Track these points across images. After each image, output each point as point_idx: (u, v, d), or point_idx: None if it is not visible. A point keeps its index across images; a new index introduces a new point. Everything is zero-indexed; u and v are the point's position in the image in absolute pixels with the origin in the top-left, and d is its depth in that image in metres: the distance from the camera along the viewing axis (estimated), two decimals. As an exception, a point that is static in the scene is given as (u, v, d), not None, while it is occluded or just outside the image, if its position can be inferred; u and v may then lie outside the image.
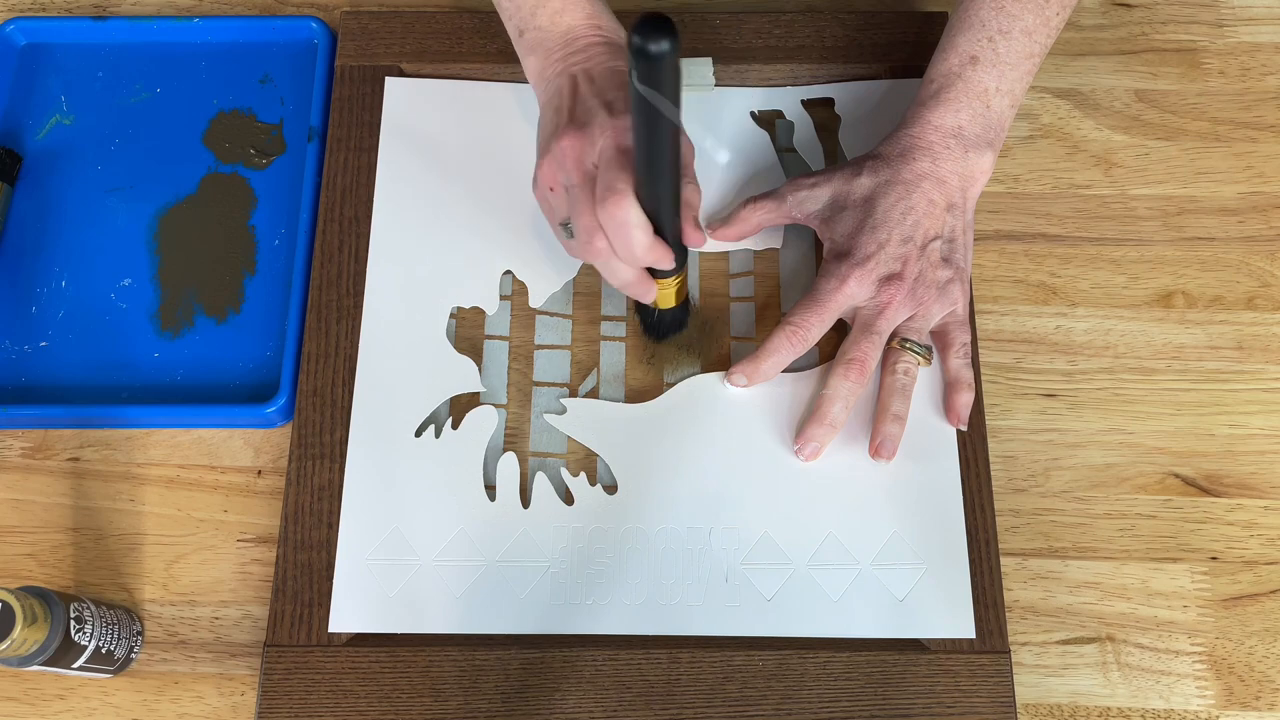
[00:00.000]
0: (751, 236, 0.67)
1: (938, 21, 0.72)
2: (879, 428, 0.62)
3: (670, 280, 0.59)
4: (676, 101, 0.47)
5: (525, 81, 0.71)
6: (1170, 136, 0.71)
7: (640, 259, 0.56)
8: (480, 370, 0.65)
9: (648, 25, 0.43)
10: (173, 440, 0.65)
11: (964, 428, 0.62)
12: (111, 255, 0.69)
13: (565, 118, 0.58)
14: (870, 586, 0.60)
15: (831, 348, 0.64)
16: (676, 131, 0.49)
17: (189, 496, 0.64)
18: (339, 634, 0.59)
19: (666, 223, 0.55)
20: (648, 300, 0.61)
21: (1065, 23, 0.64)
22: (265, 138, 0.72)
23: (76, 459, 0.65)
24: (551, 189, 0.59)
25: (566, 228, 0.59)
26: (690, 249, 0.59)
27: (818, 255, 0.67)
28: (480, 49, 0.72)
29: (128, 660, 0.60)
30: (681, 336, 0.65)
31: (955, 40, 0.63)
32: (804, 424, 0.62)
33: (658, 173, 0.52)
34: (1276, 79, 0.73)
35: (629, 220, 0.54)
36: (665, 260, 0.57)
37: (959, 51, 0.63)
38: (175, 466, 0.65)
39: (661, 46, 0.43)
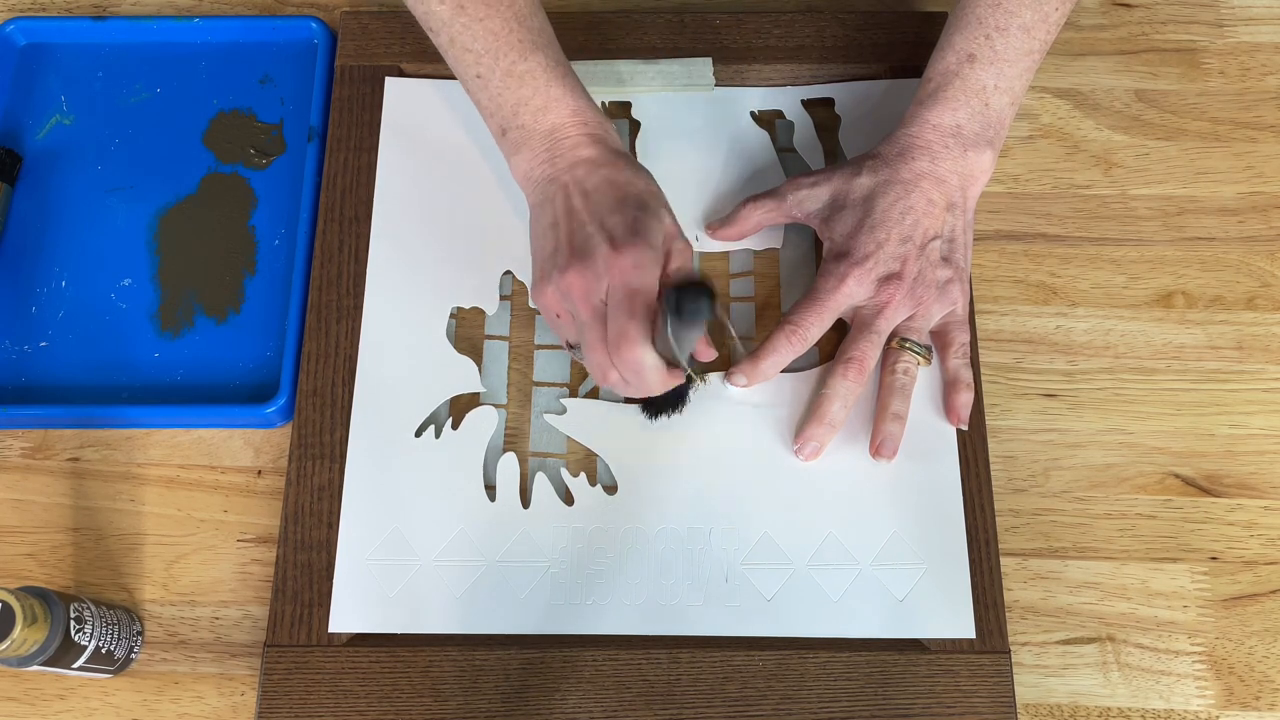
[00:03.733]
0: (751, 236, 0.67)
1: (937, 21, 0.71)
2: (879, 427, 0.62)
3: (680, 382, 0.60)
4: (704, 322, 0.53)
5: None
6: (1170, 136, 0.71)
7: (654, 391, 0.58)
8: (480, 370, 0.65)
9: (686, 292, 0.49)
10: (173, 440, 0.65)
11: (964, 427, 0.62)
12: (111, 255, 0.69)
13: (565, 244, 0.57)
14: (870, 586, 0.60)
15: (831, 347, 0.64)
16: (703, 330, 0.54)
17: (189, 496, 0.64)
18: (339, 634, 0.59)
19: (679, 358, 0.57)
20: (658, 393, 0.61)
21: (1066, 19, 0.64)
22: (265, 138, 0.72)
23: (76, 459, 0.65)
24: (558, 315, 0.59)
25: (575, 350, 0.60)
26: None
27: (817, 255, 0.67)
28: (480, 49, 0.72)
29: (128, 660, 0.60)
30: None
31: (953, 39, 0.63)
32: (803, 424, 0.62)
33: (683, 349, 0.56)
34: (1276, 79, 0.73)
35: (644, 364, 0.55)
36: (678, 380, 0.59)
37: (956, 50, 0.63)
38: (175, 466, 0.65)
39: (699, 311, 0.50)
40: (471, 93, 0.63)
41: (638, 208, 0.57)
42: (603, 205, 0.57)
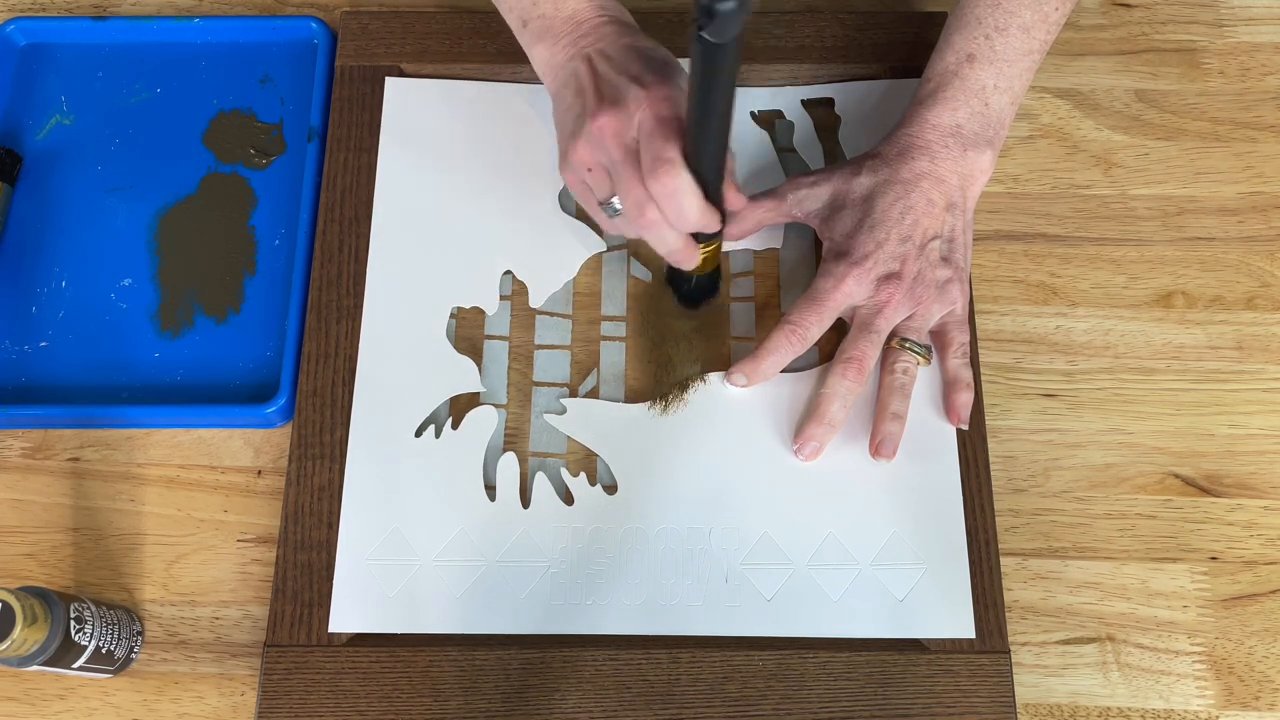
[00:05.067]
0: (751, 235, 0.67)
1: (937, 21, 0.72)
2: (879, 427, 0.62)
3: (710, 245, 0.60)
4: (739, 61, 0.48)
5: (526, 81, 0.71)
6: (1170, 136, 0.71)
7: (693, 224, 0.57)
8: (480, 370, 0.65)
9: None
10: (173, 440, 0.65)
11: (964, 427, 0.62)
12: (111, 255, 0.69)
13: (592, 97, 0.57)
14: (870, 586, 0.60)
15: (831, 347, 0.64)
16: (734, 91, 0.50)
17: (189, 496, 0.64)
18: (339, 634, 0.59)
19: (713, 186, 0.56)
20: (691, 266, 0.61)
21: (1066, 18, 0.64)
22: (265, 138, 0.72)
23: (76, 459, 0.65)
24: (590, 170, 0.58)
25: (607, 206, 0.59)
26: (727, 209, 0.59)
27: (817, 255, 0.67)
28: (480, 49, 0.72)
29: (128, 660, 0.60)
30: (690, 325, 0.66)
31: (952, 38, 0.63)
32: (803, 423, 0.62)
33: (711, 134, 0.52)
34: (1276, 79, 0.73)
35: (681, 188, 0.54)
36: (714, 223, 0.57)
37: (956, 50, 0.63)
38: (175, 466, 0.65)
39: (729, 6, 0.44)
40: None
41: (663, 63, 0.57)
42: (628, 62, 0.57)
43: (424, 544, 0.61)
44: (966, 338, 0.64)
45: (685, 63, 0.51)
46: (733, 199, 0.58)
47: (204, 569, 0.63)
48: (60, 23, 0.75)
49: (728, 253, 0.68)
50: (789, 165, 0.70)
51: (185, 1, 0.78)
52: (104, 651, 0.58)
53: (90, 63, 0.75)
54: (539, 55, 0.62)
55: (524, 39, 0.63)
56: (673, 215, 0.56)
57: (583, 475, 0.63)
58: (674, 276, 0.66)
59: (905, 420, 0.62)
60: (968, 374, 0.63)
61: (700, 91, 0.49)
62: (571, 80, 0.60)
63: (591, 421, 0.64)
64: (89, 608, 0.57)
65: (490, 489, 0.62)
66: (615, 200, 0.58)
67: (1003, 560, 0.62)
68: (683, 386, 0.64)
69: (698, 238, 0.59)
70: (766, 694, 0.58)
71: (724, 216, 0.58)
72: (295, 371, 0.65)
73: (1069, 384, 0.66)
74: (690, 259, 0.60)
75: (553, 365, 0.66)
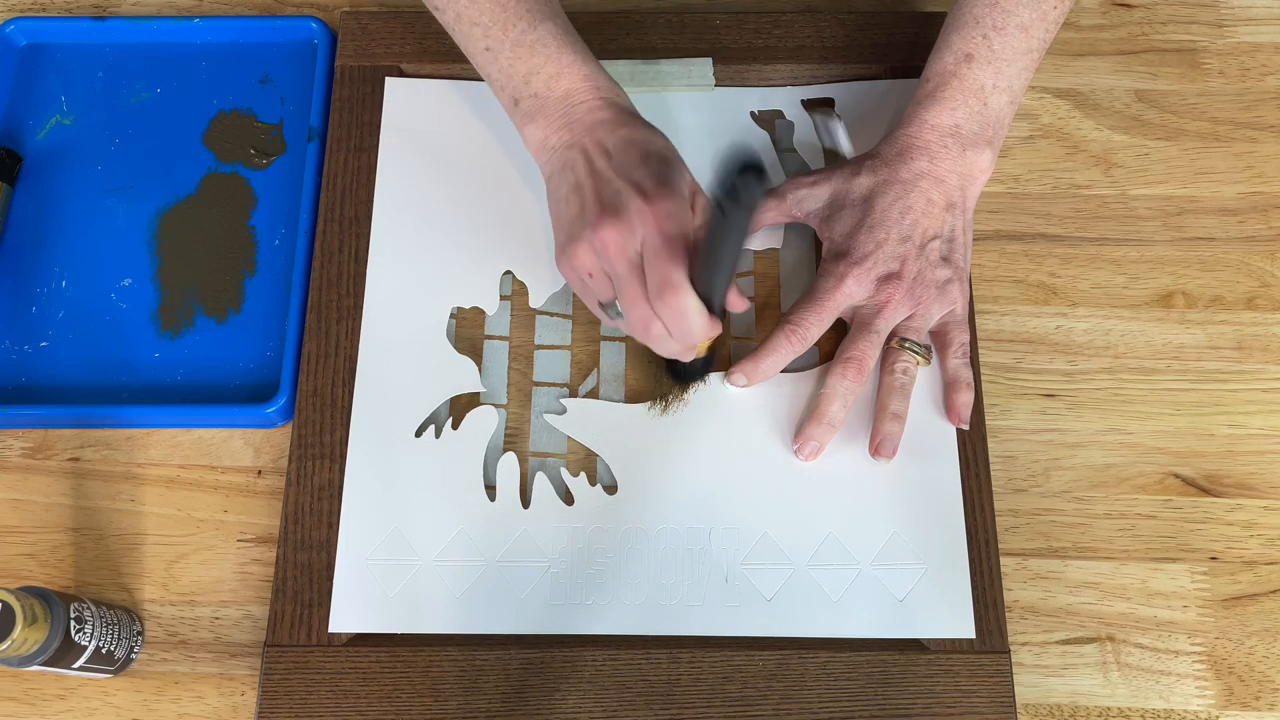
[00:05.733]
0: (751, 235, 0.67)
1: (937, 21, 0.71)
2: (878, 427, 0.62)
3: (709, 341, 0.60)
4: (754, 218, 0.50)
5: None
6: (1170, 136, 0.71)
7: (697, 341, 0.58)
8: (480, 370, 0.65)
9: (744, 167, 0.46)
10: (173, 440, 0.65)
11: (965, 427, 0.62)
12: (111, 255, 0.69)
13: (592, 201, 0.57)
14: (870, 586, 0.60)
15: (831, 347, 0.64)
16: (748, 236, 0.51)
17: (189, 496, 0.64)
18: (339, 634, 0.59)
19: (718, 301, 0.57)
20: (688, 359, 0.61)
21: (1066, 16, 0.64)
22: (265, 138, 0.72)
23: (76, 459, 0.65)
24: (591, 275, 0.58)
25: (609, 309, 0.59)
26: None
27: (817, 255, 0.67)
28: (480, 49, 0.72)
29: (128, 660, 0.60)
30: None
31: (950, 38, 0.63)
32: (803, 423, 0.62)
33: (724, 266, 0.54)
34: (1276, 79, 0.73)
35: (688, 310, 0.55)
36: (716, 331, 0.58)
37: (954, 50, 0.63)
38: (175, 466, 0.65)
39: (752, 192, 0.47)
40: (481, 67, 0.63)
41: (661, 162, 0.57)
42: (627, 162, 0.57)
43: (424, 544, 0.61)
44: (966, 337, 0.64)
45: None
46: (735, 303, 0.60)
47: (204, 569, 0.63)
48: (60, 23, 0.75)
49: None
50: (789, 165, 0.70)
51: (185, 1, 0.78)
52: (104, 651, 0.58)
53: (90, 63, 0.75)
54: (532, 136, 0.61)
55: (516, 118, 0.62)
56: (678, 333, 0.57)
57: (583, 475, 0.63)
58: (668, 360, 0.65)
59: (905, 420, 0.62)
60: (968, 374, 0.63)
61: (716, 240, 0.51)
62: (568, 172, 0.59)
63: (591, 421, 0.64)
64: (89, 608, 0.57)
65: (490, 489, 0.62)
66: (618, 304, 0.58)
67: (1003, 560, 0.62)
68: (683, 386, 0.64)
69: None
70: (766, 694, 0.58)
71: (724, 318, 0.59)
72: (295, 371, 0.65)
73: (1069, 384, 0.66)
74: (689, 356, 0.60)
75: (553, 365, 0.66)
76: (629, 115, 0.60)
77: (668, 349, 0.59)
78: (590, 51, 0.62)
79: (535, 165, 0.62)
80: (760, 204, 0.48)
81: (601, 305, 0.60)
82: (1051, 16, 0.63)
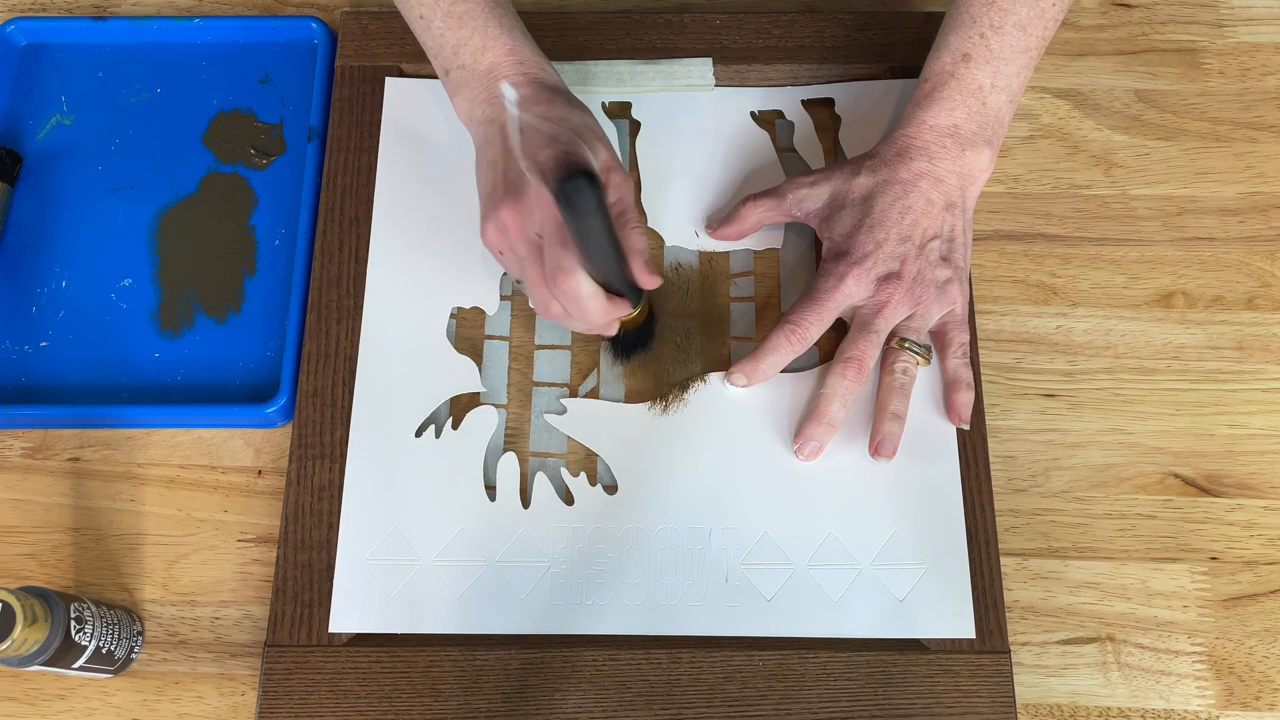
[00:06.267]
0: (751, 235, 0.67)
1: (937, 21, 0.71)
2: (878, 427, 0.62)
3: (631, 315, 0.60)
4: (604, 219, 0.51)
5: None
6: (1170, 136, 0.71)
7: (598, 322, 0.58)
8: (480, 370, 0.65)
9: (569, 175, 0.48)
10: (173, 440, 0.65)
11: (965, 427, 0.62)
12: (111, 255, 0.69)
13: (500, 180, 0.58)
14: (870, 586, 0.60)
15: (831, 347, 0.64)
16: (607, 218, 0.52)
17: (189, 496, 0.64)
18: (339, 634, 0.59)
19: (617, 282, 0.57)
20: (610, 334, 0.61)
21: (1064, 14, 0.64)
22: (265, 138, 0.72)
23: (76, 459, 0.65)
24: (501, 253, 0.60)
25: (521, 286, 0.61)
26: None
27: (817, 255, 0.67)
28: (480, 49, 0.72)
29: (128, 660, 0.60)
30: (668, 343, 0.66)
31: (948, 38, 0.63)
32: (803, 423, 0.62)
33: (598, 254, 0.54)
34: (1276, 79, 0.73)
35: (581, 294, 0.56)
36: (622, 310, 0.58)
37: (951, 50, 0.63)
38: (175, 466, 0.65)
39: (584, 196, 0.48)
40: (417, 34, 0.64)
41: (569, 142, 0.57)
42: (534, 141, 0.57)
43: (424, 544, 0.61)
44: (966, 337, 0.64)
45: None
46: (645, 279, 0.58)
47: (204, 569, 0.63)
48: (60, 23, 0.75)
49: (727, 253, 0.68)
50: (789, 165, 0.70)
51: (185, 1, 0.78)
52: (104, 651, 0.58)
53: (90, 63, 0.75)
54: (460, 106, 0.63)
55: (447, 87, 0.64)
56: (575, 315, 0.58)
57: (583, 475, 0.63)
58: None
59: (905, 420, 0.62)
60: (968, 374, 0.63)
61: (575, 231, 0.52)
62: (488, 147, 0.60)
63: (591, 421, 0.64)
64: (89, 608, 0.57)
65: (490, 489, 0.62)
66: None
67: (1003, 560, 0.62)
68: (683, 386, 0.64)
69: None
70: (766, 694, 0.58)
71: (637, 294, 0.59)
72: (295, 371, 0.65)
73: (1069, 384, 0.66)
74: (607, 331, 0.60)
75: (553, 365, 0.66)
76: (549, 91, 0.61)
77: (575, 328, 0.60)
78: (520, 24, 0.63)
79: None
80: (596, 203, 0.49)
81: (516, 283, 0.61)
82: (1050, 14, 0.63)
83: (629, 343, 0.64)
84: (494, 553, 0.61)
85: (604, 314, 0.57)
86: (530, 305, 0.62)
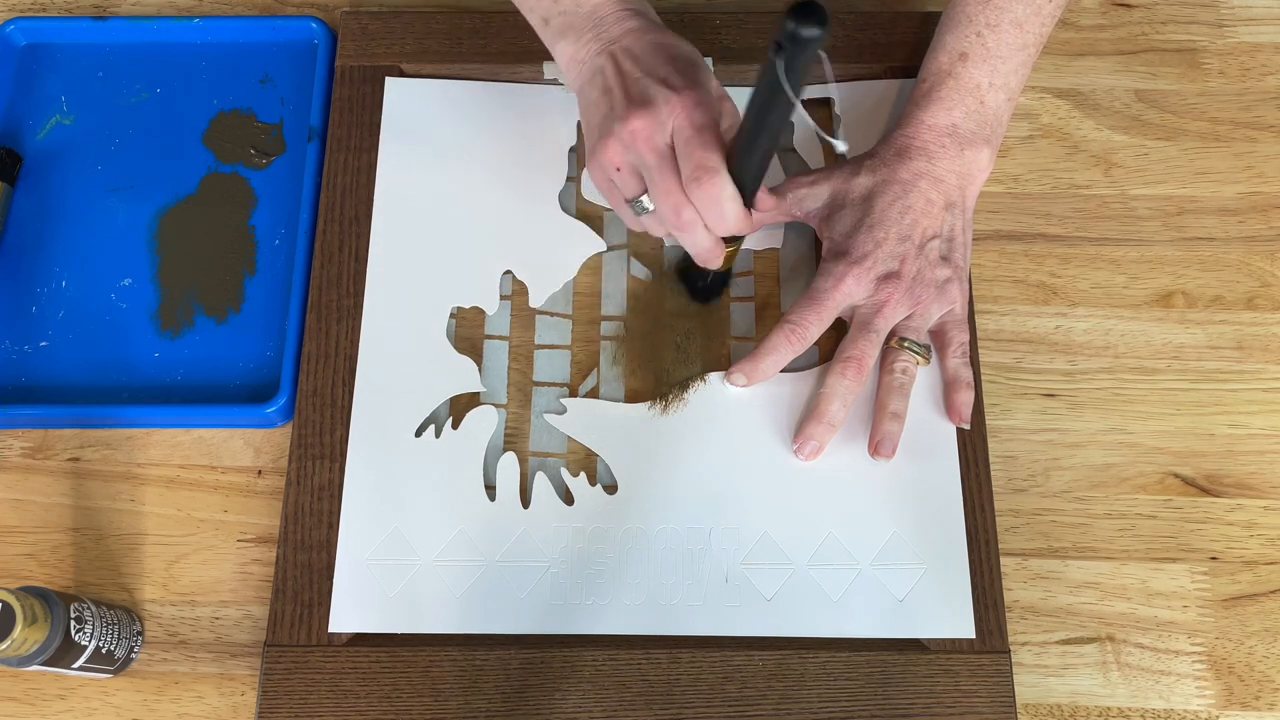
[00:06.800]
0: (751, 235, 0.67)
1: (937, 21, 0.71)
2: (878, 426, 0.62)
3: (735, 245, 0.60)
4: (803, 82, 0.49)
5: (526, 81, 0.71)
6: (1170, 136, 0.71)
7: (731, 229, 0.57)
8: (480, 370, 0.65)
9: (802, 11, 0.44)
10: (173, 440, 0.65)
11: (966, 426, 0.62)
12: (111, 255, 0.69)
13: (621, 99, 0.57)
14: (870, 586, 0.60)
15: (831, 347, 0.64)
16: (793, 109, 0.50)
17: (189, 496, 0.64)
18: (339, 634, 0.59)
19: (750, 192, 0.57)
20: (717, 265, 0.61)
21: (1062, 11, 0.63)
22: (265, 138, 0.72)
23: (76, 459, 0.65)
24: (619, 169, 0.58)
25: (635, 204, 0.59)
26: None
27: (817, 254, 0.67)
28: (480, 49, 0.72)
29: (128, 660, 0.60)
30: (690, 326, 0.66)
31: (944, 38, 0.63)
32: (803, 423, 0.62)
33: (762, 147, 0.53)
34: (1276, 79, 0.73)
35: (724, 195, 0.55)
36: (750, 226, 0.58)
37: (948, 49, 0.63)
38: (175, 466, 0.65)
39: (813, 32, 0.44)
40: None
41: (688, 63, 0.58)
42: (655, 63, 0.57)
43: (424, 544, 0.61)
44: (966, 337, 0.64)
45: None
46: (764, 200, 0.59)
47: (204, 569, 0.63)
48: (60, 23, 0.75)
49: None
50: (789, 165, 0.70)
51: (185, 1, 0.78)
52: (104, 651, 0.58)
53: (90, 63, 0.75)
54: (563, 51, 0.62)
55: (546, 36, 0.63)
56: (713, 220, 0.57)
57: (583, 475, 0.63)
58: (686, 274, 0.66)
59: (904, 420, 0.62)
60: (968, 373, 0.63)
61: (761, 109, 0.50)
62: (598, 77, 0.59)
63: (591, 421, 0.64)
64: (89, 608, 0.57)
65: (490, 489, 0.62)
66: (645, 199, 0.59)
67: (1003, 560, 0.62)
68: (683, 386, 0.64)
69: (726, 240, 0.59)
70: (766, 694, 0.58)
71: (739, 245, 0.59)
72: (295, 371, 0.65)
73: (1069, 384, 0.66)
74: (718, 259, 0.60)
75: (553, 365, 0.66)
76: (655, 23, 0.61)
77: (697, 240, 0.58)
78: None
79: (535, 165, 0.62)
80: (816, 56, 0.46)
81: (629, 203, 0.60)
82: (1046, 10, 0.62)
83: (714, 285, 0.65)
84: (494, 553, 0.61)
85: (739, 220, 0.56)
86: (642, 225, 0.61)
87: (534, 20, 0.63)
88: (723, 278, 0.65)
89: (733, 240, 0.60)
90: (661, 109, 0.55)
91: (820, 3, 0.44)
